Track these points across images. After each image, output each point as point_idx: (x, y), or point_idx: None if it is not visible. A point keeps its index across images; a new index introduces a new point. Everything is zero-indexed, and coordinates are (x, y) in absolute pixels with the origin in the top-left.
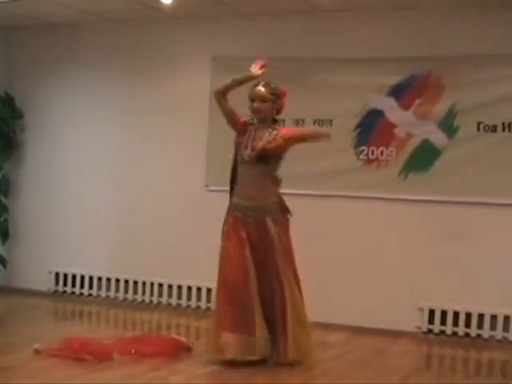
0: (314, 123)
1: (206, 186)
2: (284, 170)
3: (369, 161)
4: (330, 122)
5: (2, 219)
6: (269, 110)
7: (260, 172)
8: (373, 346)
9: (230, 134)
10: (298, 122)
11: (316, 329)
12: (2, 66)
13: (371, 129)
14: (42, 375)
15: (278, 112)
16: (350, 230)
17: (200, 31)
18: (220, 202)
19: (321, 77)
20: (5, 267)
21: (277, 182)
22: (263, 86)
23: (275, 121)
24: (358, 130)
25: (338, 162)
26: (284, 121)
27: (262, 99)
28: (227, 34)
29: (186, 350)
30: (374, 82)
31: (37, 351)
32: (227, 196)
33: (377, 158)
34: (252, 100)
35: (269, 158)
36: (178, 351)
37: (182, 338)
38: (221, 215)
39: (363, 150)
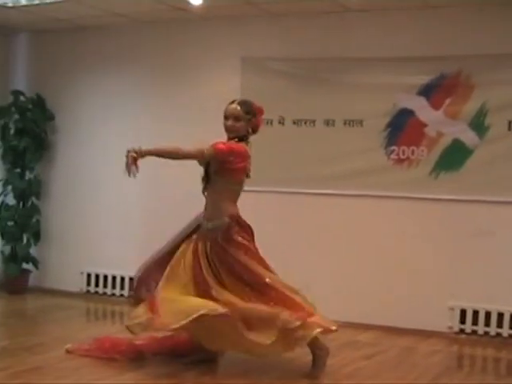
0: (345, 124)
1: None
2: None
3: (399, 160)
4: (361, 122)
5: (34, 220)
6: (242, 128)
7: None
8: (403, 346)
9: (261, 134)
10: (328, 123)
11: (346, 328)
12: (34, 68)
13: (402, 128)
14: (73, 375)
15: (254, 131)
16: (381, 229)
17: (229, 32)
18: (251, 202)
19: (351, 77)
20: (37, 268)
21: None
22: (238, 103)
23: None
24: (389, 129)
25: (368, 162)
26: (314, 121)
27: (236, 118)
28: (256, 34)
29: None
30: (404, 81)
31: (68, 351)
32: (258, 196)
33: (407, 158)
34: (226, 118)
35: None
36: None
37: None
38: (251, 215)
39: (394, 150)
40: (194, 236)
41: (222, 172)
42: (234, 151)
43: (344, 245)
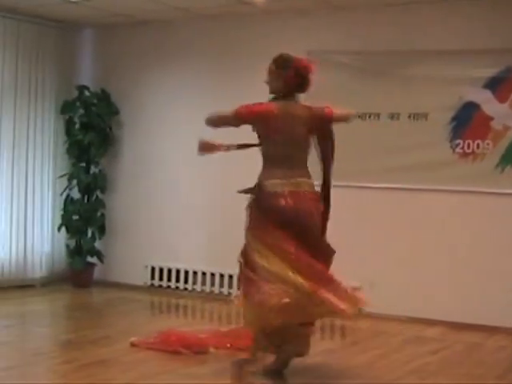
0: (409, 117)
1: None
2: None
3: (464, 154)
4: (426, 115)
5: (99, 214)
6: (271, 85)
7: None
8: (469, 342)
9: None
10: (393, 117)
11: (412, 324)
12: (98, 63)
13: (467, 122)
14: (138, 368)
15: (288, 86)
16: (445, 224)
17: (294, 25)
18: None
19: (416, 70)
20: (101, 261)
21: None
22: (273, 59)
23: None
24: (454, 123)
25: (433, 156)
26: (379, 115)
27: (268, 74)
28: (321, 27)
29: None
30: (470, 74)
31: (133, 344)
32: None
33: (473, 152)
34: None
35: None
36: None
37: None
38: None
39: (459, 144)
40: None
41: (256, 134)
42: (252, 112)
43: (408, 239)
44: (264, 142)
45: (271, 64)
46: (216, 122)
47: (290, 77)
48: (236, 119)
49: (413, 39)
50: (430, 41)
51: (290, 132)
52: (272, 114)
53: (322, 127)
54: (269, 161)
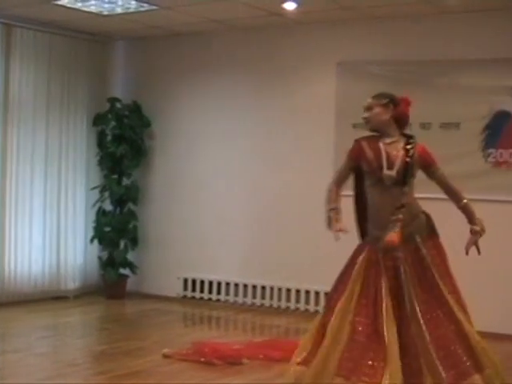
0: (441, 127)
1: None
2: None
3: (497, 163)
4: (457, 125)
5: (131, 226)
6: (377, 117)
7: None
8: (507, 351)
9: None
10: (424, 126)
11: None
12: (130, 75)
13: (499, 131)
14: (172, 379)
15: (398, 121)
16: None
17: (324, 36)
18: (349, 207)
19: (447, 79)
20: (134, 273)
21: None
22: (372, 96)
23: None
24: (486, 132)
25: (465, 166)
26: (410, 125)
27: (368, 108)
28: (351, 38)
29: None
30: (501, 83)
31: (165, 356)
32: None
33: (506, 161)
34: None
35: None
36: None
37: None
38: (349, 220)
39: (491, 153)
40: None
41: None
42: (350, 150)
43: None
44: None
45: (368, 100)
46: None
47: (403, 111)
48: None
49: (444, 49)
50: (460, 50)
51: None
52: (360, 152)
53: None
54: (370, 202)
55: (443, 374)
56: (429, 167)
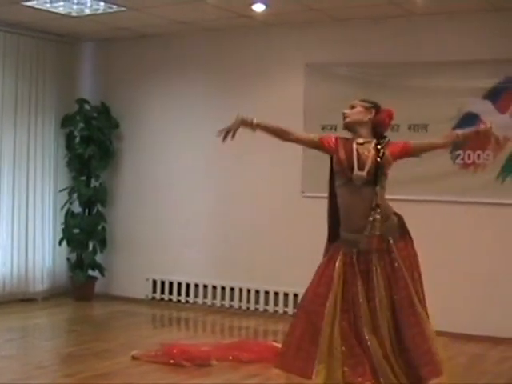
0: (409, 128)
1: (302, 192)
2: None
3: (465, 165)
4: (426, 126)
5: (100, 227)
6: (356, 115)
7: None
8: (472, 353)
9: None
10: (393, 128)
11: None
12: (98, 76)
13: None
14: (140, 381)
15: (375, 128)
16: (446, 235)
17: (293, 38)
18: (316, 208)
19: (415, 81)
20: (103, 275)
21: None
22: (360, 99)
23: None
24: None
25: (433, 167)
26: None
27: (351, 106)
28: (320, 40)
29: None
30: (469, 85)
31: (134, 357)
32: (323, 202)
33: (473, 162)
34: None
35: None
36: (276, 358)
37: (279, 345)
38: (317, 221)
39: (459, 155)
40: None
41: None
42: (324, 141)
43: None
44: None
45: (354, 101)
46: (290, 138)
47: (381, 118)
48: (317, 146)
49: (412, 51)
50: (428, 52)
51: None
52: (333, 147)
53: None
54: (339, 199)
55: (420, 373)
56: (407, 153)
